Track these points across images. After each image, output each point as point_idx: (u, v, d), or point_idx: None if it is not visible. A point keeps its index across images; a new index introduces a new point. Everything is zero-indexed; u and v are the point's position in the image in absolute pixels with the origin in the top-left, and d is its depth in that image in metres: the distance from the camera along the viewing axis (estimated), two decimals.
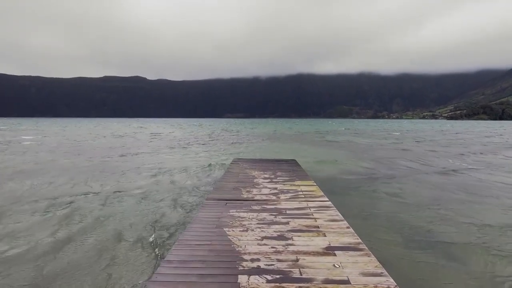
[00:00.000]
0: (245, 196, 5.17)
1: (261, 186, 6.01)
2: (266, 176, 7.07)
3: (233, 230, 3.58)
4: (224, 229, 3.63)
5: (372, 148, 20.44)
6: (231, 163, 9.08)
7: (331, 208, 4.48)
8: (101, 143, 22.63)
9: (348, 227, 3.68)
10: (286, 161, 9.72)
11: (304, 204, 4.71)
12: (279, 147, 20.82)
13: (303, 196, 5.21)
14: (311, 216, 4.10)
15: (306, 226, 3.74)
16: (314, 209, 4.45)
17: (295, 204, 4.71)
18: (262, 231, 3.57)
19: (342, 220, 3.93)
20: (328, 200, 4.98)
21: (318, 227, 3.70)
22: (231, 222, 3.86)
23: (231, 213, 4.24)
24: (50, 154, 15.89)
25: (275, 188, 5.79)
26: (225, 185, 6.07)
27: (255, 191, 5.58)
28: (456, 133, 40.58)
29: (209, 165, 11.99)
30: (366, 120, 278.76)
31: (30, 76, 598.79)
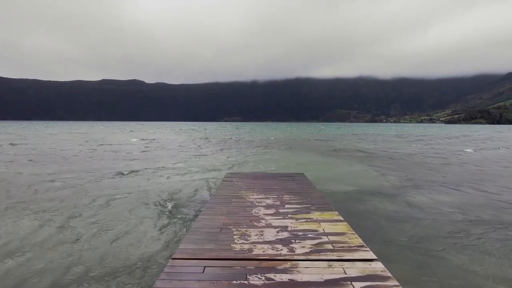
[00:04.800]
0: (238, 249, 3.18)
1: (263, 223, 4.02)
2: (269, 202, 5.09)
3: None
4: None
5: None
6: (222, 181, 6.97)
7: (389, 282, 2.51)
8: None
9: None
10: (292, 176, 7.70)
11: (338, 269, 2.74)
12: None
13: (331, 247, 3.23)
14: None
15: None
16: (360, 284, 2.48)
17: (322, 269, 2.74)
18: None
19: None
20: (375, 257, 3.00)
21: None
22: None
23: None
24: None
25: (285, 228, 3.81)
26: (208, 223, 4.04)
27: (254, 235, 3.58)
28: None
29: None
30: (366, 124, 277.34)
31: (27, 79, 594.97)
